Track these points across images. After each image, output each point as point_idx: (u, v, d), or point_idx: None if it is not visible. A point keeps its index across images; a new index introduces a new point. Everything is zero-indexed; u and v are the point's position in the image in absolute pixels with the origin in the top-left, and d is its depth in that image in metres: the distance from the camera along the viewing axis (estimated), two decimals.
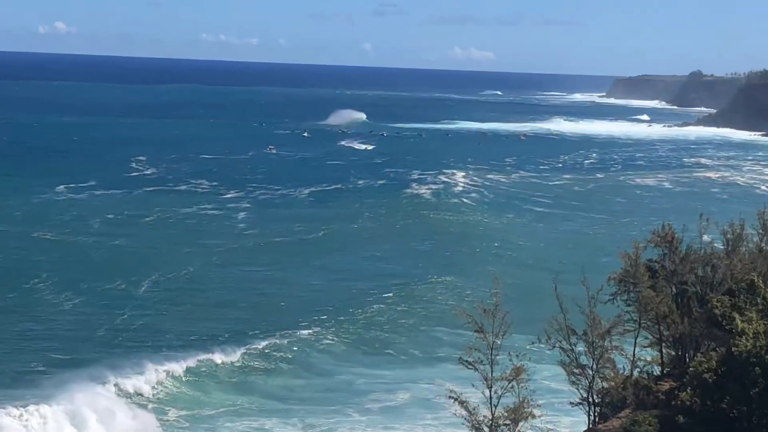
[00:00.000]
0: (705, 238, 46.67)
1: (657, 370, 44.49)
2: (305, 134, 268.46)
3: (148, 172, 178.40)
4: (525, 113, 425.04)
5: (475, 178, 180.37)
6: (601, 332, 40.44)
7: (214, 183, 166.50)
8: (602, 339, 40.58)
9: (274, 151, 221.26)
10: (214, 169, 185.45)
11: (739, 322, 34.78)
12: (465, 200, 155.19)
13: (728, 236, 46.14)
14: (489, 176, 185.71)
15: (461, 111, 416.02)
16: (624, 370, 42.26)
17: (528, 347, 43.64)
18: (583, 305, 40.44)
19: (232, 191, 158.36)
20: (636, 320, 43.44)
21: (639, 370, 43.68)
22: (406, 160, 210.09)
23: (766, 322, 34.78)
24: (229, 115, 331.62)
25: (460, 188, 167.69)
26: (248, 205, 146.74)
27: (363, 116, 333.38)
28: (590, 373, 40.87)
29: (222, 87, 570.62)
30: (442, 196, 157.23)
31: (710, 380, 34.11)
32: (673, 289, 43.96)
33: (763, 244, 47.61)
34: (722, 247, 46.12)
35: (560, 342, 40.55)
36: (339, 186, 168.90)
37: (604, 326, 40.66)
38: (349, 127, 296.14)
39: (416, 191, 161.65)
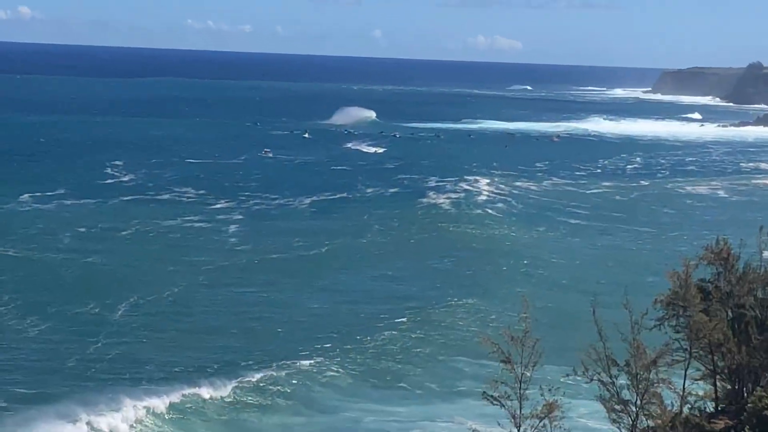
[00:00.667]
0: (766, 254, 46.65)
1: (710, 407, 44.51)
2: (306, 135, 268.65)
3: (126, 178, 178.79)
4: (558, 111, 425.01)
5: (502, 186, 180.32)
6: (647, 363, 40.46)
7: (202, 191, 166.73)
8: (647, 370, 40.60)
9: (270, 155, 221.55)
10: (201, 175, 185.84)
11: None
12: (490, 211, 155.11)
13: None
14: (517, 183, 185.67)
15: (485, 108, 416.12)
16: (672, 406, 42.27)
17: (562, 380, 43.60)
18: (626, 332, 40.45)
19: (222, 201, 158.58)
20: (686, 349, 43.50)
21: (690, 406, 43.69)
22: (421, 165, 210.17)
23: None
24: (219, 114, 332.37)
25: (484, 197, 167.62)
26: (240, 217, 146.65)
27: (372, 114, 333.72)
28: (634, 409, 40.88)
29: (210, 81, 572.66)
30: (463, 207, 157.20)
31: None
32: (729, 314, 44.05)
33: None
34: None
35: (599, 374, 40.56)
36: (345, 195, 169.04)
37: (649, 356, 40.68)
38: (357, 127, 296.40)
39: (434, 201, 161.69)
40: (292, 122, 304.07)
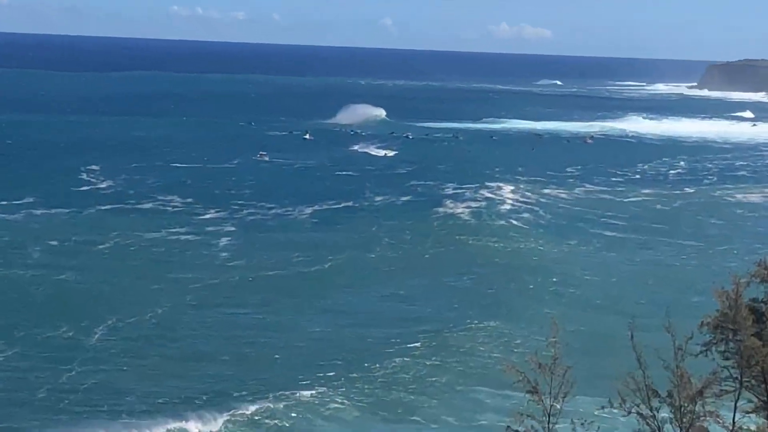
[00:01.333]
0: None
1: None
2: (307, 136, 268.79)
3: (103, 185, 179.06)
4: (592, 109, 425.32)
5: (528, 194, 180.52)
6: (692, 393, 40.45)
7: (189, 200, 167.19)
8: (693, 402, 40.58)
9: (266, 159, 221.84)
10: (188, 181, 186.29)
11: None
12: (514, 222, 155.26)
13: None
14: (545, 191, 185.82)
15: (509, 106, 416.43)
16: None
17: (596, 413, 43.63)
18: (668, 359, 40.42)
19: (212, 210, 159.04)
20: (737, 378, 43.43)
21: None
22: (437, 169, 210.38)
23: None
24: (209, 112, 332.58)
25: (508, 207, 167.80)
26: (233, 229, 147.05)
27: (382, 113, 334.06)
28: None
29: (199, 74, 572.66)
30: (484, 217, 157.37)
31: None
32: None
33: None
34: None
35: (638, 406, 40.55)
36: (350, 203, 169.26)
37: (695, 386, 40.66)
38: (364, 127, 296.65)
39: (451, 210, 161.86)
40: (292, 121, 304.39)
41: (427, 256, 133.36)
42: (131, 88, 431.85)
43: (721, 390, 42.60)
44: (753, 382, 43.92)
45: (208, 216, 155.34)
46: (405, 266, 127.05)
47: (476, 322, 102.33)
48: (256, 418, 78.57)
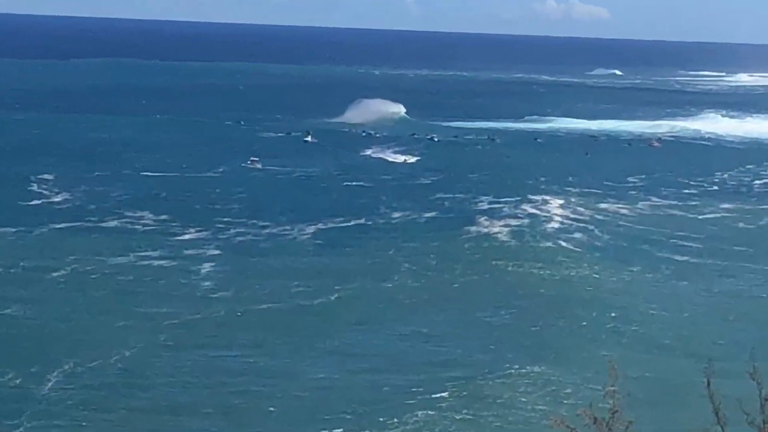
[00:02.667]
0: None
1: None
2: (308, 138, 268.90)
3: (58, 198, 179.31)
4: (659, 105, 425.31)
5: (580, 209, 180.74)
6: None
7: (164, 216, 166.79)
8: None
9: (258, 166, 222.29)
10: (163, 193, 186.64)
11: None
12: (563, 244, 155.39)
13: None
14: (602, 206, 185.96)
15: (557, 101, 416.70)
16: None
17: None
18: (753, 411, 40.55)
19: (191, 229, 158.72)
20: None
21: None
22: (469, 179, 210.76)
23: None
24: (188, 109, 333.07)
25: (556, 225, 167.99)
26: (217, 252, 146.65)
27: (401, 110, 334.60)
28: None
29: (176, 63, 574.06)
30: (527, 238, 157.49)
31: None
32: None
33: None
34: None
35: None
36: (362, 221, 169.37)
37: None
38: (379, 128, 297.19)
39: (486, 229, 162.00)
40: (289, 120, 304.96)
41: (456, 285, 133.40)
42: (93, 80, 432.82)
43: None
44: None
45: (187, 236, 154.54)
46: (429, 298, 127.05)
47: (516, 366, 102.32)
48: None
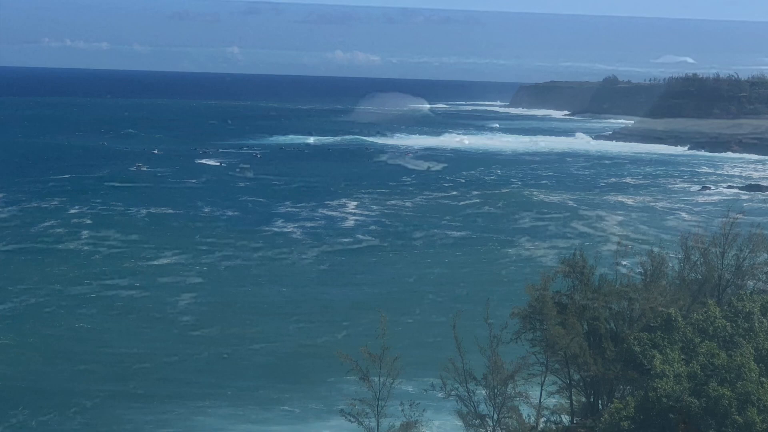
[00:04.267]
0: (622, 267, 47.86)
1: (566, 419, 45.24)
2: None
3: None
4: (416, 125, 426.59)
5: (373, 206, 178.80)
6: (504, 377, 41.00)
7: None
8: (505, 385, 41.15)
9: (144, 169, 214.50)
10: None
11: (659, 363, 35.62)
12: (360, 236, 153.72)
13: (647, 266, 47.42)
14: (390, 202, 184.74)
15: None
16: (529, 419, 42.87)
17: (426, 392, 43.57)
18: (487, 345, 40.93)
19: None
20: (543, 363, 44.17)
21: (546, 419, 44.41)
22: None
23: (687, 362, 35.67)
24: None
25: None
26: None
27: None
28: (491, 423, 41.38)
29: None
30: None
31: (628, 429, 34.83)
32: (585, 326, 44.81)
33: (685, 274, 49.04)
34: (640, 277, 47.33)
35: (457, 389, 40.99)
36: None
37: (506, 370, 41.23)
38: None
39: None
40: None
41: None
42: None
43: (530, 374, 43.44)
44: (557, 366, 44.81)
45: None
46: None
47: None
48: None
